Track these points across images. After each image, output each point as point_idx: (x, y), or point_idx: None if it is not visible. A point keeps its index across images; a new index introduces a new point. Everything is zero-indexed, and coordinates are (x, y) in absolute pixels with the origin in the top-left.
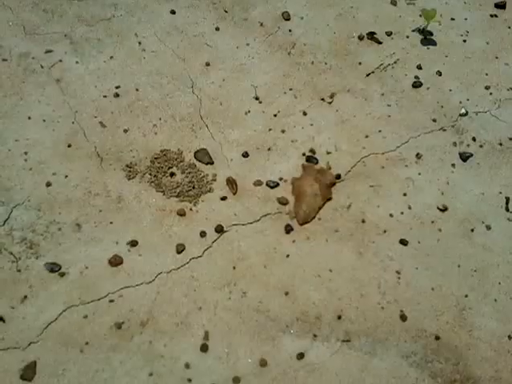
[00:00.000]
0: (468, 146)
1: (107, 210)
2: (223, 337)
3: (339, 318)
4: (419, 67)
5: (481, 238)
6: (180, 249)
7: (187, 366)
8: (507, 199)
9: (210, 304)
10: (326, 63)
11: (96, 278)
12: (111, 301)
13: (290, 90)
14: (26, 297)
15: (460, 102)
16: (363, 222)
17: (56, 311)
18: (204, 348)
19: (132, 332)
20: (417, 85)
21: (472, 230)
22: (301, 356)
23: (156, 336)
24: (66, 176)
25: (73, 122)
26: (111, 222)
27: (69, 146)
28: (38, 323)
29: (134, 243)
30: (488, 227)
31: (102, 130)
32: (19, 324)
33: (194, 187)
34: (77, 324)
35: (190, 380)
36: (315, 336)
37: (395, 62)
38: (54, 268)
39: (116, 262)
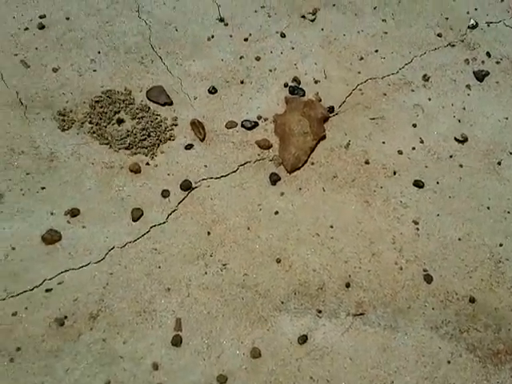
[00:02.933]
0: (483, 62)
1: (37, 171)
2: (201, 324)
3: (348, 286)
4: None
5: (510, 172)
6: (137, 215)
7: (155, 366)
8: None
9: (181, 283)
10: None
11: (27, 261)
12: (49, 290)
13: (262, 7)
14: None
15: (467, 13)
16: (367, 163)
17: None
18: (176, 341)
19: (79, 329)
20: None
21: (499, 163)
22: (303, 339)
23: (112, 331)
24: None
25: None
26: (43, 188)
27: None
28: None
29: (74, 212)
30: None
31: (24, 71)
32: None
33: (149, 135)
34: (4, 325)
35: None
36: (319, 312)
37: None
38: None
39: (52, 238)
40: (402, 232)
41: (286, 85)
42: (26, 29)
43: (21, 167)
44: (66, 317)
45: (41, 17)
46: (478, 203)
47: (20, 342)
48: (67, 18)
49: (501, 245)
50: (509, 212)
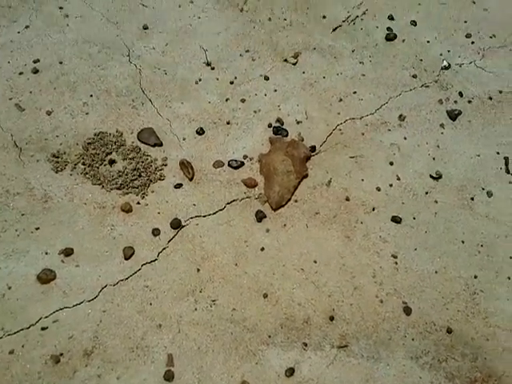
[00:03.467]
0: (455, 102)
1: (31, 212)
2: (191, 359)
3: (331, 319)
4: (391, 18)
5: (483, 207)
6: (128, 253)
7: None
8: (506, 160)
9: (172, 319)
10: (285, 19)
11: (23, 300)
12: (44, 328)
13: (247, 51)
14: None
15: (440, 54)
16: (347, 199)
17: None
18: (168, 376)
19: (74, 365)
20: (390, 37)
21: (472, 199)
22: (290, 372)
23: (106, 367)
24: None
25: None
26: (37, 228)
27: None
28: None
29: (68, 252)
30: (489, 194)
31: (19, 114)
32: None
33: (140, 175)
34: (1, 363)
35: None
36: (305, 345)
37: (364, 13)
38: None
39: (47, 277)
40: (382, 266)
41: (269, 125)
42: (21, 73)
43: (16, 208)
44: (61, 354)
45: (35, 61)
46: (453, 237)
47: (17, 380)
48: (60, 62)
49: (475, 277)
50: (482, 245)
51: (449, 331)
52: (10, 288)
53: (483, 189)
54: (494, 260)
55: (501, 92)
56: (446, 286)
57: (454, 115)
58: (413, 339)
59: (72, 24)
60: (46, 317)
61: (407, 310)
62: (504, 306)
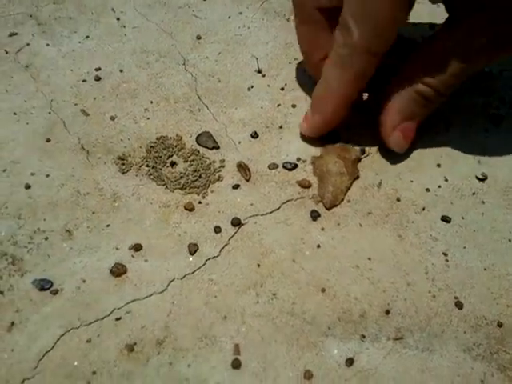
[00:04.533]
0: (498, 107)
1: (101, 210)
2: (256, 349)
3: (387, 313)
4: (432, 27)
5: None
6: (193, 249)
7: None
8: None
9: (236, 311)
10: None
11: (97, 292)
12: (118, 318)
13: (295, 59)
14: (13, 323)
15: None
16: (398, 200)
17: (52, 337)
18: (236, 364)
19: (147, 353)
20: None
21: None
22: (350, 362)
23: (177, 355)
24: (48, 175)
25: (49, 113)
26: (108, 225)
27: (47, 140)
28: (31, 354)
29: (137, 247)
30: None
31: (84, 119)
32: (8, 358)
33: (200, 176)
34: (79, 350)
35: None
36: (363, 337)
37: None
38: (44, 285)
39: (119, 271)
40: (434, 263)
41: None
42: (84, 80)
43: (87, 207)
44: (135, 343)
45: (96, 69)
46: (500, 236)
47: (95, 367)
48: (121, 71)
49: None
50: None
51: (499, 325)
52: (84, 281)
53: None
54: None
55: None
56: (495, 283)
57: (497, 120)
58: (465, 332)
59: (129, 34)
60: (119, 308)
61: (459, 305)
62: None
